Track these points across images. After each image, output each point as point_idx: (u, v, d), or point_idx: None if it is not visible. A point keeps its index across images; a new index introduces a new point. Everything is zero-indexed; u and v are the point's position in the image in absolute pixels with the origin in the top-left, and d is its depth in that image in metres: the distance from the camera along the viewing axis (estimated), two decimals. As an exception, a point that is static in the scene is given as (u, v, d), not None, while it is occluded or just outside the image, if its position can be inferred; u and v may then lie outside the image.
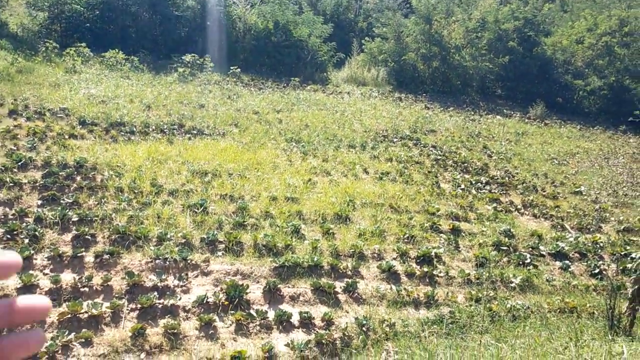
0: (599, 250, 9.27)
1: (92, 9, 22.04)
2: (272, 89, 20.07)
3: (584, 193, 12.02)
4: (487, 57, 24.49)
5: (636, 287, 5.76)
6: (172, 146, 11.56)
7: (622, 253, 9.12)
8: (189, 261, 7.19)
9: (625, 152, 10.58)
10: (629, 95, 22.17)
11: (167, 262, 7.06)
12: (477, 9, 25.80)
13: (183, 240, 7.65)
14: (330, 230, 8.60)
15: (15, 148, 10.20)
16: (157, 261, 7.05)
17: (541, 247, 9.09)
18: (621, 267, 8.55)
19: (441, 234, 9.10)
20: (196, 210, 8.55)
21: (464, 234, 9.27)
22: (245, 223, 8.39)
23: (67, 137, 11.22)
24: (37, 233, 7.31)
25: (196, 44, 22.65)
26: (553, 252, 9.03)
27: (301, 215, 9.01)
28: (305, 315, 6.36)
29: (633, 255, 8.40)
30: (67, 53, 18.52)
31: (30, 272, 6.55)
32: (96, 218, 7.89)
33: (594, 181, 12.12)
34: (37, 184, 8.81)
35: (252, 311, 6.37)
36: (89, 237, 7.47)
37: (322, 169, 11.49)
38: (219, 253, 7.55)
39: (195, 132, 12.89)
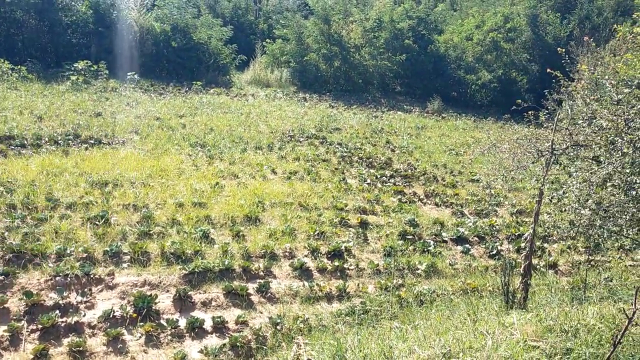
0: (496, 233, 9.89)
1: (-29, 16, 20.45)
2: (173, 93, 19.58)
3: (479, 180, 12.76)
4: (385, 55, 25.30)
5: (526, 262, 6.21)
6: (68, 157, 10.98)
7: (516, 234, 9.79)
8: (92, 276, 6.88)
9: (510, 139, 11.29)
10: (516, 87, 23.76)
11: (69, 279, 6.72)
12: (373, 9, 26.59)
13: (84, 255, 7.30)
14: (241, 233, 8.55)
15: None
16: (57, 278, 6.69)
17: (443, 234, 9.55)
18: (515, 247, 9.19)
19: (350, 228, 9.32)
20: (97, 222, 8.19)
21: (371, 227, 9.54)
22: (151, 232, 8.14)
23: (-53, 154, 10.35)
24: None
25: (89, 50, 21.62)
26: (454, 237, 9.52)
27: (210, 219, 8.88)
28: (218, 319, 6.30)
29: (525, 234, 9.02)
30: (-57, 64, 17.05)
31: None
32: (-14, 238, 7.35)
33: (486, 169, 12.88)
34: None
35: (162, 321, 6.21)
36: (-21, 259, 6.95)
37: (230, 172, 11.38)
38: (124, 265, 7.28)
39: (92, 141, 12.32)
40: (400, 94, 25.59)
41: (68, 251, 7.26)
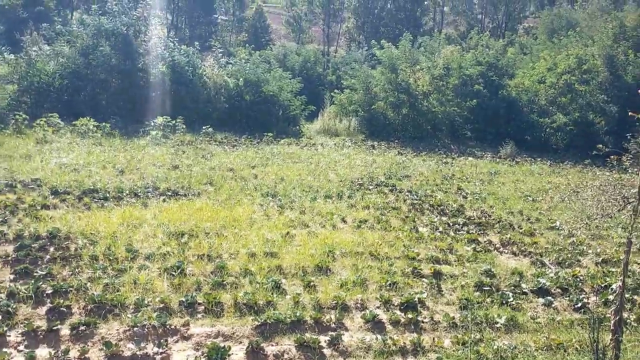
0: (580, 284, 9.30)
1: (61, 79, 22.16)
2: (245, 145, 20.21)
3: (559, 228, 12.16)
4: (454, 101, 25.16)
5: (617, 317, 5.78)
6: (147, 209, 11.45)
7: (602, 285, 9.17)
8: (168, 326, 7.02)
9: (592, 185, 10.88)
10: (594, 129, 22.83)
11: (146, 329, 6.88)
12: (440, 57, 26.65)
13: (161, 305, 7.48)
14: (312, 283, 8.51)
15: (-15, 223, 9.99)
16: (135, 329, 6.87)
17: (523, 285, 9.09)
18: (603, 299, 8.59)
19: (423, 279, 9.06)
20: (173, 272, 8.41)
21: (445, 277, 9.24)
22: (224, 282, 8.26)
23: (39, 207, 11.04)
24: (9, 308, 7.09)
25: (167, 106, 22.84)
26: (535, 289, 9.02)
27: (281, 269, 8.92)
28: (291, 373, 6.21)
29: (613, 286, 8.45)
30: (37, 124, 18.46)
31: (4, 349, 6.31)
32: (71, 289, 7.70)
33: (567, 216, 12.29)
34: (9, 258, 8.60)
35: (235, 373, 6.20)
36: (64, 309, 7.26)
37: (300, 221, 11.46)
38: (199, 315, 7.39)
39: (170, 193, 12.82)
40: (471, 139, 25.20)
41: (146, 301, 7.47)
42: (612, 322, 5.93)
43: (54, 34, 24.39)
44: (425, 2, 53.81)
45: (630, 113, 6.86)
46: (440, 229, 11.78)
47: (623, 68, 24.28)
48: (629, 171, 6.48)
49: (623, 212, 5.93)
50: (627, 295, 8.53)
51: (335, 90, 28.21)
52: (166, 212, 11.27)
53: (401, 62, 25.42)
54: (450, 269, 9.60)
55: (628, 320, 7.93)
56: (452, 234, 11.51)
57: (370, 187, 15.01)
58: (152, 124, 20.10)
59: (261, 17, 52.17)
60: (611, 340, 5.83)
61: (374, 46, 27.41)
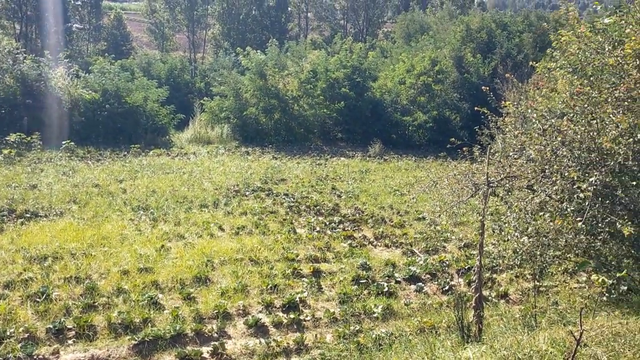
0: (446, 268, 10.01)
1: None
2: (111, 158, 19.21)
3: (425, 218, 12.99)
4: (323, 104, 25.88)
5: (477, 295, 6.31)
6: (3, 234, 10.48)
7: (466, 267, 9.95)
8: (35, 357, 6.48)
9: (448, 175, 11.72)
10: (451, 125, 24.62)
11: (8, 364, 6.29)
12: (307, 61, 27.28)
13: (26, 335, 6.89)
14: (191, 295, 8.31)
15: None
16: (-4, 365, 6.26)
17: (396, 275, 9.59)
18: (466, 280, 9.32)
19: (303, 279, 9.22)
20: (38, 299, 7.78)
21: (324, 275, 9.48)
22: (96, 303, 7.80)
23: None
24: None
25: (20, 122, 21.04)
26: (407, 277, 9.57)
27: (157, 284, 8.60)
28: (173, 389, 6.02)
29: (474, 268, 9.19)
30: None
31: None
32: None
33: (429, 205, 13.15)
34: None
35: (113, 398, 5.88)
36: None
37: (175, 233, 11.14)
38: (70, 341, 6.91)
39: (28, 215, 11.83)
40: (342, 140, 26.08)
41: (8, 333, 6.83)
42: (473, 299, 6.46)
43: None
44: (289, 9, 54.79)
45: (476, 108, 7.54)
46: (318, 228, 12.06)
47: (467, 69, 26.46)
48: (479, 161, 7.10)
49: (476, 197, 6.48)
50: (486, 274, 9.34)
51: (205, 98, 27.78)
52: (25, 235, 10.40)
53: (269, 67, 25.65)
54: (328, 266, 9.87)
55: (490, 297, 8.68)
56: (329, 232, 11.83)
57: (247, 193, 14.97)
58: (4, 141, 18.39)
59: (120, 25, 49.89)
60: (473, 316, 6.35)
61: (240, 53, 27.39)
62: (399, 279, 9.49)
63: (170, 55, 41.29)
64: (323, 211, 13.56)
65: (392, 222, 12.91)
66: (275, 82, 25.40)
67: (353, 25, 54.79)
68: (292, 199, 14.54)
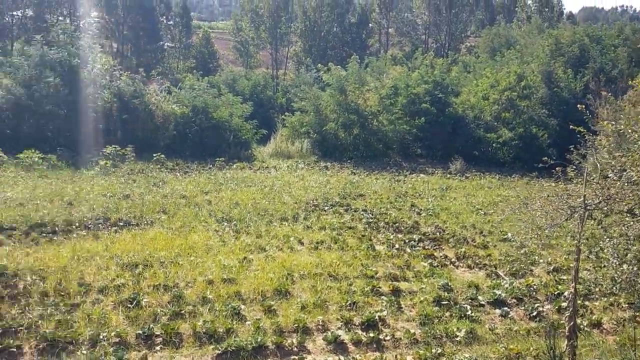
0: (534, 293, 9.55)
1: (2, 110, 21.37)
2: (197, 171, 19.97)
3: (511, 239, 12.49)
4: (403, 119, 25.69)
5: (571, 323, 5.96)
6: (98, 241, 11.10)
7: (555, 293, 9.45)
8: (125, 361, 6.78)
9: (541, 196, 11.26)
10: (538, 143, 23.69)
11: (102, 366, 6.63)
12: (387, 77, 27.24)
13: (117, 339, 7.24)
14: (272, 307, 8.42)
15: None
16: (91, 366, 6.61)
17: (479, 297, 9.26)
18: (556, 307, 8.84)
19: (382, 297, 9.11)
20: (129, 305, 8.16)
21: (404, 294, 9.32)
22: (182, 312, 8.07)
23: (-18, 245, 10.54)
24: (-48, 354, 6.70)
25: (116, 135, 22.36)
26: (491, 300, 9.21)
27: (240, 295, 8.79)
28: (255, 401, 6.09)
29: (565, 293, 8.71)
30: (-23, 158, 17.75)
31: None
32: (21, 328, 7.36)
33: (517, 227, 12.64)
34: (-49, 300, 8.15)
35: (197, 405, 6.03)
36: (15, 350, 6.92)
37: (257, 245, 11.36)
38: (157, 347, 7.18)
39: (122, 223, 12.49)
40: (421, 156, 25.74)
41: (101, 336, 7.20)
42: (567, 328, 6.11)
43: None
44: (370, 25, 55.05)
45: (571, 126, 7.18)
46: (397, 246, 11.90)
47: (557, 84, 25.39)
48: (574, 181, 6.74)
49: (570, 221, 6.15)
50: (579, 302, 8.82)
51: (286, 113, 28.37)
52: (118, 243, 10.97)
53: (349, 83, 25.83)
54: (408, 285, 9.69)
55: (581, 326, 8.18)
56: (408, 250, 11.64)
57: (326, 208, 15.06)
58: (101, 153, 19.62)
59: (208, 43, 52.00)
60: (567, 346, 6.00)
61: (321, 69, 27.78)
62: (482, 302, 9.16)
63: (254, 72, 42.59)
64: (402, 228, 13.38)
65: (474, 242, 12.54)
66: (355, 98, 25.54)
67: (435, 40, 54.21)
68: (370, 215, 14.46)
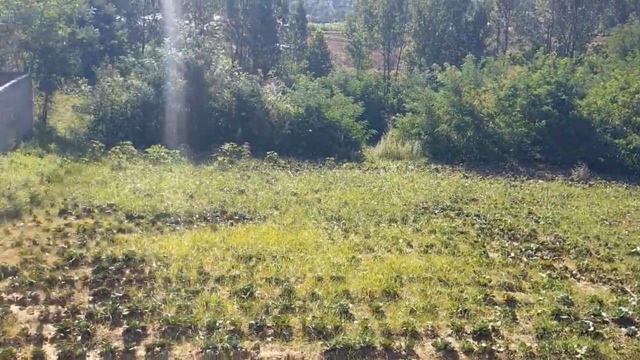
0: (667, 313, 8.71)
1: (133, 108, 23.22)
2: (308, 170, 20.39)
3: (640, 253, 11.49)
4: (522, 122, 24.51)
5: None
6: (216, 233, 11.70)
7: (693, 314, 8.55)
8: (239, 349, 7.08)
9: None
10: (674, 151, 21.60)
11: (218, 352, 6.97)
12: (506, 77, 26.12)
13: (232, 328, 7.57)
14: (380, 309, 8.38)
15: (66, 246, 10.49)
16: (208, 351, 6.97)
17: (603, 314, 8.61)
18: (694, 330, 8.00)
19: (496, 306, 8.74)
20: (243, 295, 8.51)
21: (520, 305, 8.88)
22: (292, 306, 8.27)
23: (115, 231, 11.51)
24: (89, 329, 7.37)
25: (233, 133, 23.48)
26: (616, 317, 8.53)
27: (348, 294, 8.85)
28: (362, 400, 6.10)
29: None
30: (112, 151, 19.42)
31: (83, 369, 6.55)
32: (146, 310, 7.93)
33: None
34: (88, 280, 8.97)
35: (306, 399, 6.15)
36: (140, 330, 7.47)
37: (365, 245, 11.38)
38: (268, 339, 7.42)
39: (237, 217, 13.07)
40: (540, 161, 24.40)
41: (217, 324, 7.57)
42: None
43: (126, 66, 25.70)
44: (488, 24, 53.02)
45: None
46: (512, 254, 11.38)
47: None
48: None
49: None
50: None
51: (397, 114, 28.17)
52: (234, 235, 11.48)
53: (465, 84, 25.08)
54: (524, 296, 9.23)
55: None
56: (524, 259, 11.08)
57: (436, 211, 14.74)
58: (220, 150, 20.69)
59: (321, 44, 52.92)
60: None
61: (436, 69, 27.23)
62: (606, 319, 8.50)
63: (366, 72, 42.73)
64: (518, 236, 12.77)
65: (598, 254, 11.67)
66: (470, 99, 24.79)
67: (558, 39, 51.09)
68: (483, 221, 13.95)
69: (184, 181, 16.50)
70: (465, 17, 49.88)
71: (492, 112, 24.72)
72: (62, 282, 8.80)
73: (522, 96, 24.86)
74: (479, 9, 50.97)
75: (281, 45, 52.80)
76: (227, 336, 7.28)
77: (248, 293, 8.56)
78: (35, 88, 25.00)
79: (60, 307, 8.05)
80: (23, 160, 16.42)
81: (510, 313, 8.46)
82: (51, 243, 10.66)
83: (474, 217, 14.25)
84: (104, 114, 23.24)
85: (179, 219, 12.60)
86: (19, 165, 15.69)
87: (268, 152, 21.42)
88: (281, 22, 53.78)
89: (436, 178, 20.05)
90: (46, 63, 23.91)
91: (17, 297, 8.31)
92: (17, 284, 8.70)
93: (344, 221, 13.12)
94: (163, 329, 7.53)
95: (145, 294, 8.53)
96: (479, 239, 12.33)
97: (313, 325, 7.68)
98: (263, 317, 7.83)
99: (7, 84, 18.99)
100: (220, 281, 9.10)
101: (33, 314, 7.88)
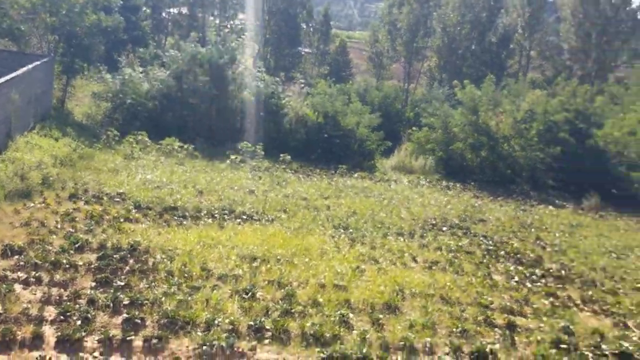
0: (668, 352, 8.60)
1: (153, 99, 23.35)
2: (320, 175, 20.40)
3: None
4: (537, 147, 24.37)
5: None
6: (223, 231, 11.73)
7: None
8: (235, 349, 7.09)
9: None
10: (689, 188, 21.36)
11: (214, 349, 6.98)
12: (525, 100, 26.01)
13: (230, 327, 7.58)
14: (379, 321, 8.37)
15: (73, 230, 10.57)
16: (204, 347, 6.98)
17: (603, 346, 8.53)
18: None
19: (496, 329, 8.70)
20: (244, 295, 8.53)
21: (520, 330, 8.83)
22: (293, 310, 8.27)
23: (122, 220, 11.58)
24: (89, 315, 7.41)
25: (249, 132, 23.53)
26: (617, 351, 8.45)
27: (349, 303, 8.83)
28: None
29: None
30: (126, 140, 19.55)
31: (80, 354, 6.59)
32: (146, 301, 7.97)
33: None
34: (92, 266, 9.03)
35: (298, 405, 6.14)
36: (139, 321, 7.50)
37: (370, 256, 11.36)
38: (266, 341, 7.43)
39: (245, 217, 13.09)
40: (552, 187, 24.21)
41: (216, 322, 7.59)
42: None
43: (149, 57, 25.86)
44: (511, 46, 52.81)
45: None
46: (516, 278, 11.32)
47: None
48: None
49: None
50: None
51: (413, 128, 28.07)
52: (240, 235, 11.50)
53: (483, 104, 25.01)
54: (525, 321, 9.18)
55: None
56: (528, 285, 11.03)
57: (444, 229, 14.70)
58: (234, 148, 20.75)
59: (343, 52, 52.96)
60: None
61: (456, 86, 27.17)
62: (606, 352, 8.43)
63: (386, 84, 42.66)
64: (524, 261, 12.71)
65: (603, 286, 11.58)
66: (487, 119, 24.70)
67: (581, 67, 50.74)
68: (490, 242, 13.91)
69: (195, 176, 16.56)
70: (489, 37, 49.70)
71: (508, 134, 24.62)
72: (67, 266, 8.87)
73: (539, 121, 24.74)
74: (504, 31, 50.77)
75: (304, 50, 52.95)
76: (224, 335, 7.30)
77: (249, 294, 8.58)
78: (57, 72, 25.21)
79: (62, 290, 8.12)
80: (38, 141, 16.57)
81: (509, 337, 8.42)
82: (59, 226, 10.75)
83: (481, 238, 14.19)
84: (122, 102, 23.37)
85: (187, 214, 12.65)
86: (34, 146, 15.83)
87: (281, 155, 21.45)
88: (305, 27, 53.92)
89: (446, 195, 19.99)
90: (70, 48, 24.09)
91: (21, 277, 8.39)
92: (22, 263, 8.79)
93: (351, 230, 13.12)
94: (162, 321, 7.56)
95: (147, 285, 8.57)
96: (484, 260, 12.28)
97: (312, 332, 7.68)
98: (262, 319, 7.85)
99: (31, 65, 19.15)
100: (222, 279, 9.13)
101: (35, 294, 7.95)
